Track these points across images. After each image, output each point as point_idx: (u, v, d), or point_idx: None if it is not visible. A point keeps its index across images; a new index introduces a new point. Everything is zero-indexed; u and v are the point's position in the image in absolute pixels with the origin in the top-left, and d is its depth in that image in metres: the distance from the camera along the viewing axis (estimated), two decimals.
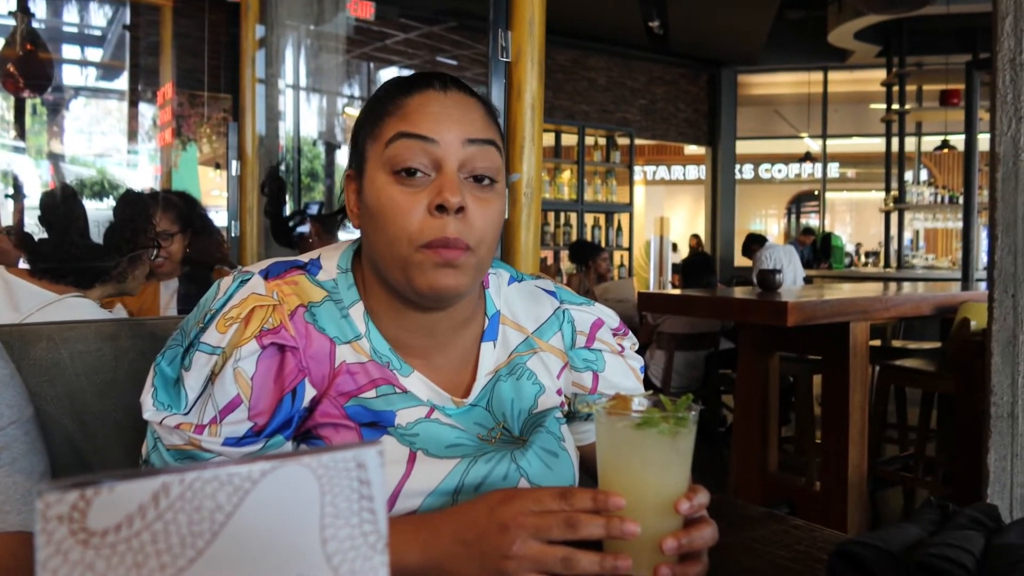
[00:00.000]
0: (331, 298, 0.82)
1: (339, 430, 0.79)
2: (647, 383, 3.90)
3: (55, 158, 6.05)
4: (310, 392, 0.78)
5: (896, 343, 4.06)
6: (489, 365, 0.86)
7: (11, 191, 4.85)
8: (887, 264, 8.11)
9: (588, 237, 6.99)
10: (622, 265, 7.40)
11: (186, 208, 2.26)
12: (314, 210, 4.22)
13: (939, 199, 7.68)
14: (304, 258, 0.85)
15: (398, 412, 0.80)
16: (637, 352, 0.98)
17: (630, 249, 7.46)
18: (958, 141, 7.75)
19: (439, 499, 0.77)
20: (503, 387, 0.86)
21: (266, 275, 0.80)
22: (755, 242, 6.08)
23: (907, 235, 8.69)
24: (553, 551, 0.63)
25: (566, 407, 0.92)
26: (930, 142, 9.87)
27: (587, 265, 5.27)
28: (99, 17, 6.25)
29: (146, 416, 0.76)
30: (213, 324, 0.76)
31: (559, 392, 0.90)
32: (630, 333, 0.98)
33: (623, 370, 0.94)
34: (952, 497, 2.74)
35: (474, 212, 0.77)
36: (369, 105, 0.84)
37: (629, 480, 0.68)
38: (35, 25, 3.86)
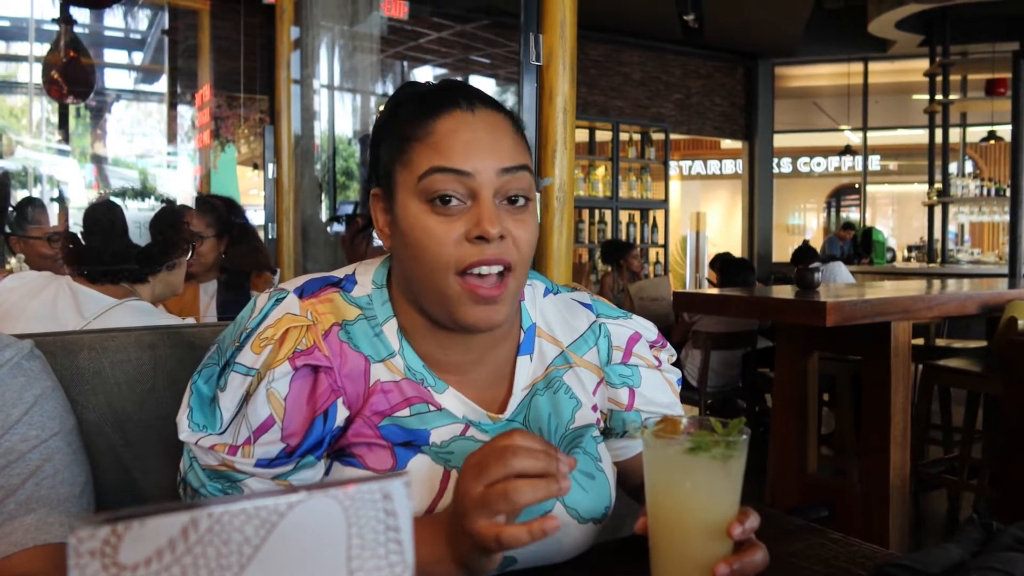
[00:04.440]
0: (365, 316, 0.81)
1: (373, 449, 0.79)
2: (685, 383, 3.86)
3: (98, 160, 6.19)
4: (342, 413, 0.78)
5: (940, 341, 3.97)
6: (526, 379, 0.85)
7: (56, 194, 4.97)
8: (931, 259, 7.91)
9: (623, 234, 6.95)
10: (658, 262, 7.33)
11: (225, 213, 2.29)
12: (348, 210, 4.26)
13: (985, 192, 7.47)
14: (339, 273, 0.85)
15: (432, 431, 0.80)
16: (675, 349, 0.97)
17: (666, 246, 7.39)
18: (1005, 132, 7.52)
19: None
20: (540, 401, 0.85)
21: (300, 294, 0.81)
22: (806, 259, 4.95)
23: (952, 229, 8.47)
24: (494, 490, 0.63)
25: (602, 424, 0.91)
26: (975, 133, 9.60)
27: (619, 264, 5.24)
28: (139, 22, 6.38)
29: (182, 437, 0.77)
30: (248, 344, 0.77)
31: (595, 408, 0.89)
32: (668, 345, 0.96)
33: (660, 384, 0.92)
34: (998, 501, 2.67)
35: (512, 234, 0.77)
36: (389, 117, 0.82)
37: (679, 504, 0.67)
38: (77, 31, 3.95)
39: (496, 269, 0.76)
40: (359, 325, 0.81)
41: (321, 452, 0.78)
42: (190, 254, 1.71)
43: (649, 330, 0.94)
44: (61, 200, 4.80)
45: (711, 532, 0.66)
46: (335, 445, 0.79)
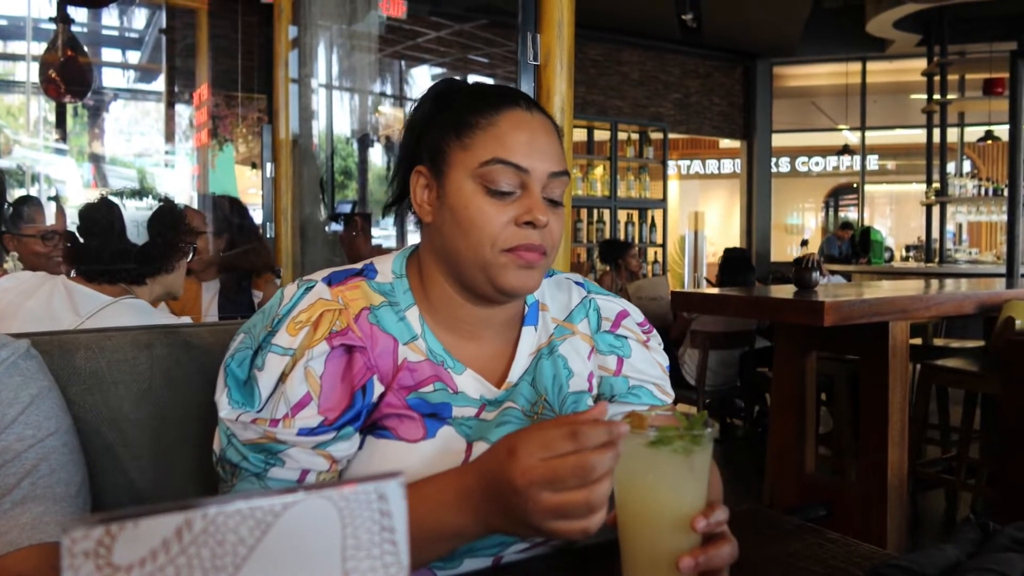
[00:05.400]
0: (388, 302, 0.88)
1: (404, 420, 0.84)
2: (683, 382, 3.87)
3: (96, 159, 6.17)
4: (378, 388, 0.84)
5: (938, 341, 3.97)
6: (531, 346, 0.93)
7: (54, 193, 4.97)
8: (929, 259, 7.91)
9: (621, 234, 6.94)
10: (656, 262, 7.33)
11: (229, 212, 2.28)
12: (346, 209, 4.26)
13: (983, 191, 7.47)
14: (358, 265, 0.91)
15: (454, 407, 0.86)
16: (672, 347, 1.01)
17: (664, 245, 7.39)
18: (1002, 132, 7.53)
19: None
20: (545, 365, 0.92)
21: (329, 282, 0.87)
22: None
23: (950, 228, 8.47)
24: (570, 497, 0.62)
25: (595, 392, 0.96)
26: (973, 133, 9.60)
27: (617, 263, 5.24)
28: (136, 21, 6.36)
29: (222, 415, 0.80)
30: (283, 327, 0.82)
31: (590, 377, 0.95)
32: (655, 331, 1.02)
33: (648, 359, 0.98)
34: (996, 501, 2.68)
35: (551, 224, 0.86)
36: (441, 106, 0.89)
37: (644, 497, 0.68)
38: (74, 29, 3.94)
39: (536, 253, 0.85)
40: (384, 310, 0.87)
41: (359, 424, 0.83)
42: (191, 255, 1.70)
43: (636, 312, 1.01)
44: (57, 199, 4.79)
45: (676, 525, 0.67)
46: (368, 419, 0.84)
